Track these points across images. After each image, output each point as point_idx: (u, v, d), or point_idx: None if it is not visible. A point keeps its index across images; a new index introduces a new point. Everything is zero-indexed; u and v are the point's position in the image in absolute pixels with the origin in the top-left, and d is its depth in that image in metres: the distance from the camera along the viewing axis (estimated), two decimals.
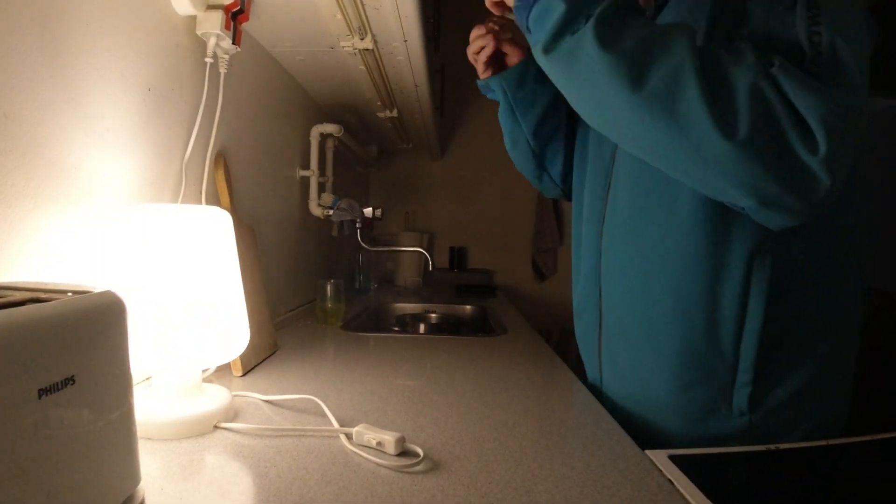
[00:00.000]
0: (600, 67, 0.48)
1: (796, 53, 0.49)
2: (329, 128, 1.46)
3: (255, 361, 0.90)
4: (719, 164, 0.47)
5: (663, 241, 0.63)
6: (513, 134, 0.86)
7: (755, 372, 0.60)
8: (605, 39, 0.48)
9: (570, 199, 0.90)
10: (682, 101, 0.47)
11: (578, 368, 0.90)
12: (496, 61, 0.81)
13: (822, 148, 0.45)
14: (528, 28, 0.55)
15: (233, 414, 0.66)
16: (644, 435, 0.65)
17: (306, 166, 1.46)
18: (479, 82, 0.81)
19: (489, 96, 0.82)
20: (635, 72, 0.47)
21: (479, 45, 0.79)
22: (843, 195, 0.51)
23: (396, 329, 1.73)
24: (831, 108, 0.45)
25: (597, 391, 0.78)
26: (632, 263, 0.67)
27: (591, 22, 0.48)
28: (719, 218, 0.58)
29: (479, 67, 0.80)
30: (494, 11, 0.66)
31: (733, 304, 0.59)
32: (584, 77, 0.50)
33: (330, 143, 1.57)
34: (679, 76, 0.47)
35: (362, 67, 1.24)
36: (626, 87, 0.48)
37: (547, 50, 0.51)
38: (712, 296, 0.60)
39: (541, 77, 0.76)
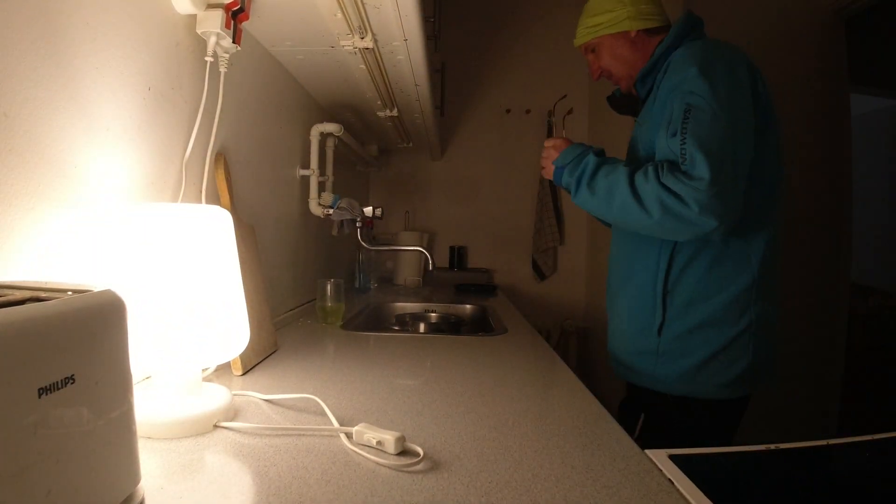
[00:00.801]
0: (591, 202, 1.01)
1: (678, 161, 0.90)
2: (329, 127, 1.46)
3: (255, 361, 0.90)
4: (654, 230, 0.95)
5: (636, 247, 1.09)
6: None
7: (662, 315, 1.02)
8: (591, 189, 1.00)
9: None
10: (629, 208, 0.93)
11: (578, 368, 0.90)
12: None
13: (695, 209, 0.86)
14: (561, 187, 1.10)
15: (233, 413, 0.66)
16: (613, 349, 1.16)
17: (306, 165, 1.46)
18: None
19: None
20: (606, 202, 0.98)
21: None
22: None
23: (396, 328, 1.73)
24: (692, 187, 0.86)
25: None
26: (620, 258, 1.15)
27: (584, 183, 1.01)
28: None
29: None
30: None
31: (660, 279, 1.03)
32: (589, 206, 1.03)
33: (330, 143, 1.56)
34: (626, 199, 0.93)
35: (362, 66, 1.24)
36: (605, 208, 0.99)
37: (573, 196, 1.05)
38: (651, 274, 1.05)
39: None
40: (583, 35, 1.18)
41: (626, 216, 0.95)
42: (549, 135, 2.50)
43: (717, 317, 0.99)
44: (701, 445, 0.79)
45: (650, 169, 0.91)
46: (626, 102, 1.26)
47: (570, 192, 1.06)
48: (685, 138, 0.88)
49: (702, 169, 0.86)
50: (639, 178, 0.92)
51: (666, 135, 0.92)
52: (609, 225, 1.23)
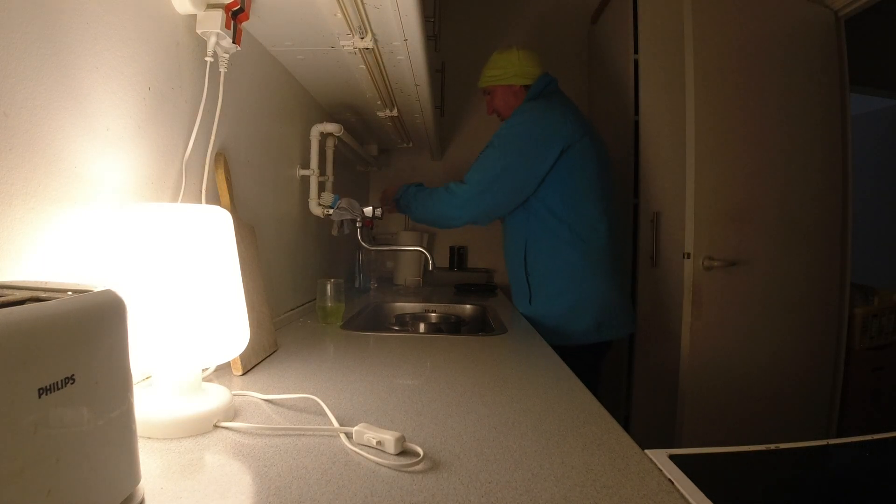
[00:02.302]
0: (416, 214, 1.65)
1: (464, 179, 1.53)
2: (329, 127, 1.46)
3: (255, 361, 0.90)
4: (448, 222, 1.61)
5: (508, 241, 1.66)
6: None
7: (529, 287, 1.55)
8: (410, 210, 1.67)
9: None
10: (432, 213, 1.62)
11: None
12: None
13: (462, 213, 1.56)
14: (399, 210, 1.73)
15: (233, 413, 0.66)
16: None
17: (306, 165, 1.46)
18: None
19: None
20: (420, 215, 1.64)
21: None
22: (539, 204, 1.53)
23: (396, 328, 1.73)
24: (463, 198, 1.53)
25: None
26: (509, 242, 1.66)
27: (407, 205, 1.66)
28: (518, 224, 1.59)
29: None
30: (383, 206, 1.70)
31: (522, 258, 1.56)
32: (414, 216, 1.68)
33: (330, 143, 1.56)
34: (427, 211, 1.62)
35: (362, 66, 1.24)
36: (423, 217, 1.65)
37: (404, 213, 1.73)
38: (521, 254, 1.57)
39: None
40: (483, 81, 1.67)
41: (432, 220, 1.62)
42: None
43: (561, 289, 1.51)
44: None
45: (448, 184, 1.57)
46: None
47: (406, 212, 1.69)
48: (472, 173, 1.52)
49: (474, 183, 1.51)
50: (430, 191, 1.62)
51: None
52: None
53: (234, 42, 0.86)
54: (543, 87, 1.59)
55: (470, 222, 1.54)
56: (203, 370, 0.79)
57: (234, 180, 1.00)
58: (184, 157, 0.82)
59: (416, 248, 1.98)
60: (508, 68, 1.60)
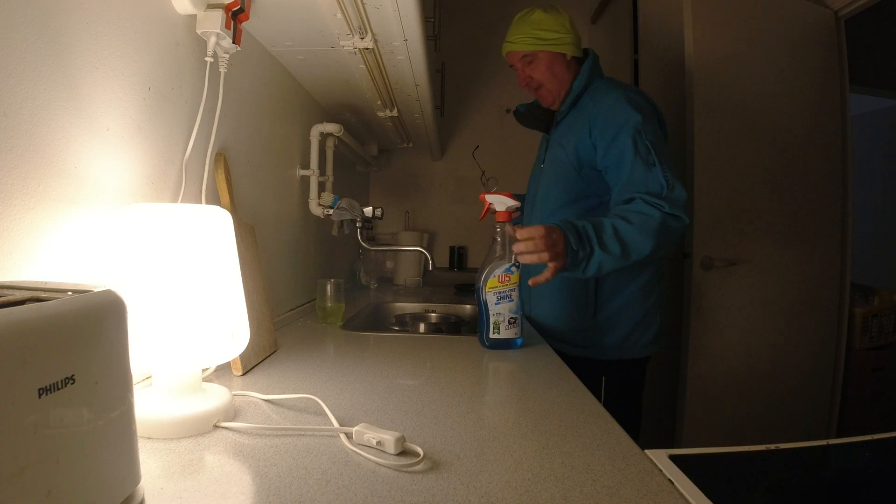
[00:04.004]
0: (609, 262, 1.06)
1: (662, 188, 1.09)
2: (329, 127, 1.46)
3: (255, 361, 0.90)
4: (655, 253, 1.09)
5: None
6: None
7: (596, 297, 1.27)
8: (606, 251, 1.05)
9: None
10: (642, 247, 1.07)
11: None
12: None
13: (686, 219, 1.09)
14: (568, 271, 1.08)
15: (233, 413, 0.66)
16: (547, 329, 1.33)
17: (306, 166, 1.46)
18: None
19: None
20: (623, 255, 1.06)
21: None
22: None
23: (396, 328, 1.73)
24: (680, 205, 1.08)
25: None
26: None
27: (596, 252, 1.05)
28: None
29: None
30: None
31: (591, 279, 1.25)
32: (606, 267, 1.07)
33: (330, 143, 1.56)
34: (639, 242, 1.07)
35: (362, 67, 1.24)
36: (621, 261, 1.07)
37: (587, 269, 1.07)
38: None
39: None
40: (527, 43, 1.29)
41: (637, 255, 1.07)
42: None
43: (632, 299, 1.28)
44: (629, 394, 1.35)
45: (643, 206, 1.08)
46: (532, 117, 1.47)
47: (577, 270, 1.06)
48: (665, 170, 1.10)
49: (681, 190, 1.10)
50: (639, 218, 1.07)
51: (642, 167, 1.11)
52: None
53: (234, 42, 0.86)
54: (597, 65, 1.34)
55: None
56: (203, 370, 0.79)
57: (234, 180, 1.00)
58: (184, 157, 0.82)
59: (415, 248, 1.98)
60: (564, 34, 1.28)
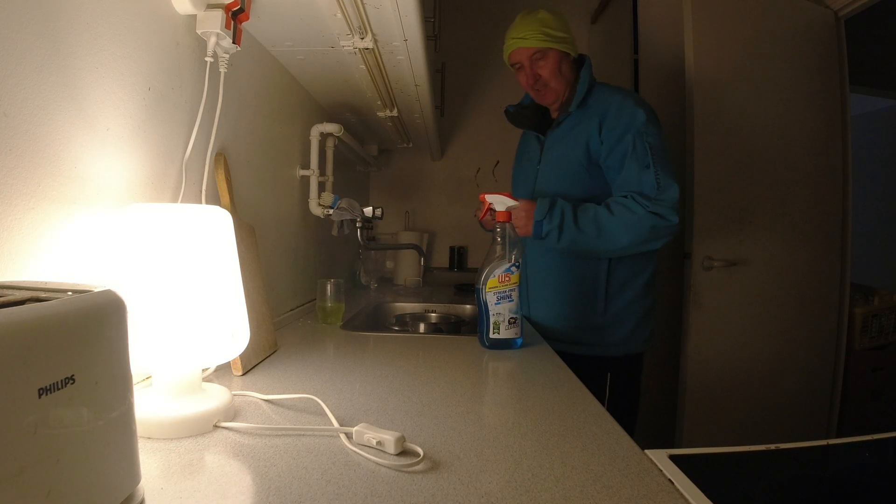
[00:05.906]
0: (580, 238, 1.20)
1: (653, 188, 1.17)
2: (329, 127, 1.46)
3: (255, 361, 0.90)
4: (635, 248, 1.22)
5: (573, 260, 1.36)
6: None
7: (606, 294, 1.31)
8: (578, 228, 1.20)
9: None
10: (616, 237, 1.19)
11: None
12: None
13: (675, 219, 1.16)
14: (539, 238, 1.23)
15: (233, 413, 0.66)
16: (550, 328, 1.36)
17: (306, 166, 1.46)
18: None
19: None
20: (595, 236, 1.20)
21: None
22: None
23: (396, 328, 1.73)
24: (669, 206, 1.16)
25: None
26: (553, 269, 1.39)
27: (568, 225, 1.19)
28: None
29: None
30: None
31: (606, 262, 1.30)
32: (576, 244, 1.22)
33: (330, 143, 1.56)
34: (615, 229, 1.18)
35: (362, 67, 1.24)
36: (592, 241, 1.21)
37: (558, 240, 1.21)
38: (592, 272, 1.32)
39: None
40: (539, 40, 1.29)
41: (612, 244, 1.19)
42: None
43: (637, 295, 1.35)
44: (632, 389, 1.39)
45: (630, 203, 1.18)
46: (522, 117, 1.49)
47: (549, 239, 1.20)
48: (657, 171, 1.18)
49: (673, 191, 1.17)
50: (622, 211, 1.18)
51: (637, 168, 1.19)
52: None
53: (234, 42, 0.86)
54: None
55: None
56: (203, 370, 0.79)
57: (234, 180, 1.00)
58: (184, 157, 0.82)
59: (410, 244, 1.97)
60: (569, 34, 1.32)
